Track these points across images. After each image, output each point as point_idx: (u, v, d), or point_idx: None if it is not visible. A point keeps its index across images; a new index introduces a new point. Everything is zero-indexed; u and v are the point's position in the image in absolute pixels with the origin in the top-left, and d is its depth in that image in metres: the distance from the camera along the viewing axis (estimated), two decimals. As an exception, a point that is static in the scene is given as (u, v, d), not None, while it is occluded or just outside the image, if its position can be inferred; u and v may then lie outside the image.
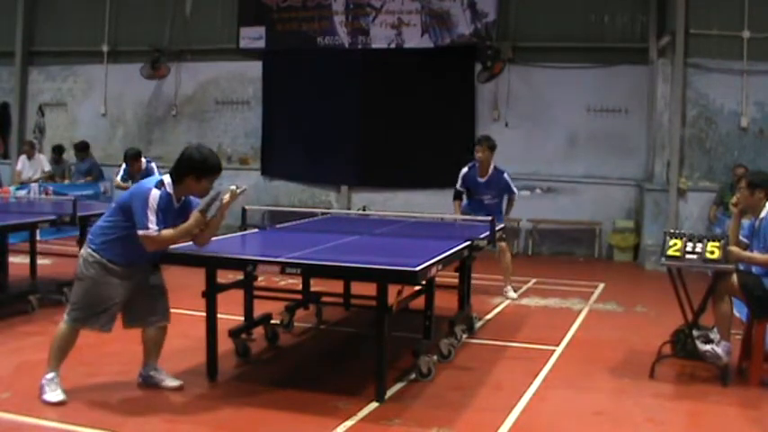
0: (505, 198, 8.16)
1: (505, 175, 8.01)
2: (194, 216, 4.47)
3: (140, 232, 4.29)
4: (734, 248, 5.21)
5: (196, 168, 4.42)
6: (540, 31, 11.59)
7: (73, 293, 4.52)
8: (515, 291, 8.26)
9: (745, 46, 10.06)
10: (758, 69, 10.06)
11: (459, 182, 8.08)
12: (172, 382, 4.77)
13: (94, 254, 4.42)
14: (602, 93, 11.37)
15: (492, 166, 7.94)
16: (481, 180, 7.92)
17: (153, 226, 4.28)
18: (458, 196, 8.11)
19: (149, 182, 4.47)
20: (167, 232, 4.34)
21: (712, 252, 5.12)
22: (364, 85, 12.18)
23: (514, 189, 8.12)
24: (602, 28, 11.36)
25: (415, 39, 12.00)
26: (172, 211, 4.44)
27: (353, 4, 12.28)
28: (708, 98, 10.33)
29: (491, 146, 7.90)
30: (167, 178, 4.46)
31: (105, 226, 4.48)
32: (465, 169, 8.04)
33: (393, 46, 12.12)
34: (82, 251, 4.50)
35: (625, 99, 11.32)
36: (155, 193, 4.33)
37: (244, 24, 12.76)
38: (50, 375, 4.43)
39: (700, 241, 5.19)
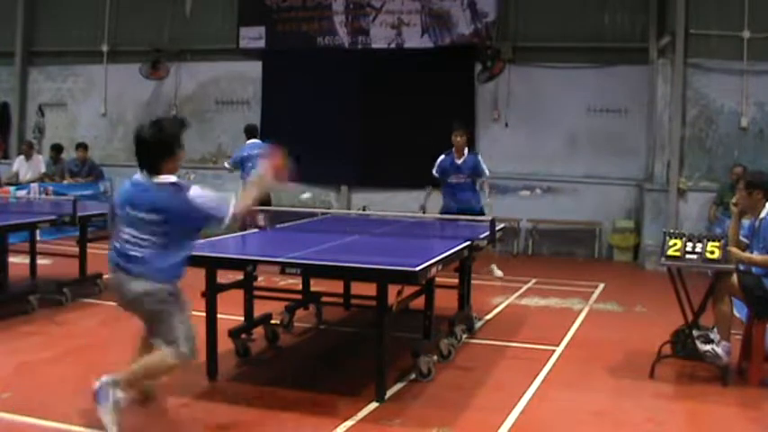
0: (478, 182, 8.91)
1: (479, 156, 8.93)
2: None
3: (229, 215, 3.99)
4: (733, 249, 5.21)
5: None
6: (540, 31, 11.59)
7: (165, 331, 4.04)
8: (500, 269, 8.87)
9: (745, 46, 10.06)
10: (758, 69, 10.06)
11: (436, 167, 8.87)
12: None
13: (162, 285, 3.98)
14: (602, 93, 11.37)
15: (466, 150, 8.86)
16: (458, 162, 8.80)
17: (230, 207, 3.99)
18: (432, 182, 8.93)
19: (176, 181, 4.08)
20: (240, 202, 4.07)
21: (712, 252, 5.12)
22: (364, 85, 12.18)
23: (486, 171, 8.87)
24: (602, 28, 11.35)
25: (415, 39, 12.00)
26: None
27: (353, 4, 12.28)
28: (708, 98, 10.33)
29: (467, 132, 8.93)
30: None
31: (165, 244, 3.97)
32: (442, 156, 8.88)
33: (393, 46, 12.12)
34: (139, 288, 3.95)
35: (625, 99, 11.32)
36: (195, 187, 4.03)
37: (244, 24, 12.76)
38: (120, 395, 3.99)
39: (699, 241, 5.19)
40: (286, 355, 5.83)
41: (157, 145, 4.02)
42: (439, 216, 8.23)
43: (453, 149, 8.85)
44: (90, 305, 7.13)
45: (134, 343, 4.95)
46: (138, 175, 4.10)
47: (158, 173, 4.02)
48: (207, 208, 3.96)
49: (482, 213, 8.48)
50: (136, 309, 4.09)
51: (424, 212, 8.87)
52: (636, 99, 11.22)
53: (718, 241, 5.17)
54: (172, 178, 4.03)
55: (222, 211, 3.97)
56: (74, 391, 4.56)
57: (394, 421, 4.32)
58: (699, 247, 5.16)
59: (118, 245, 4.02)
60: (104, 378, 3.97)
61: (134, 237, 3.96)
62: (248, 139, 9.72)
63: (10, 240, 7.17)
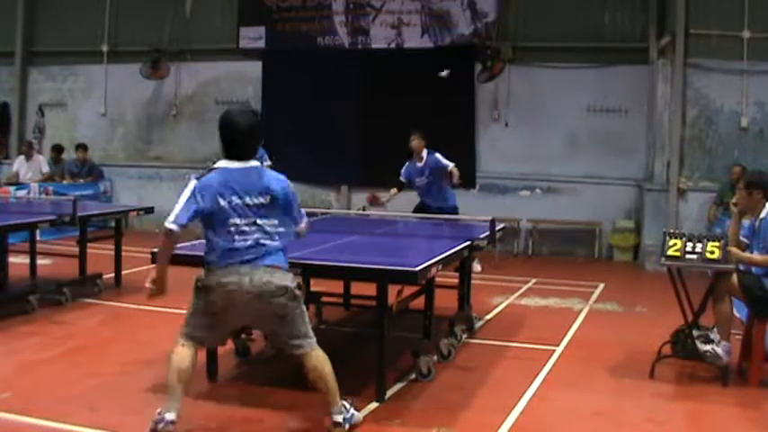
0: (440, 178, 9.04)
1: (436, 155, 9.01)
2: None
3: (303, 224, 4.13)
4: (733, 249, 5.21)
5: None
6: (540, 31, 11.59)
7: (302, 324, 3.96)
8: (479, 263, 8.98)
9: (745, 46, 10.06)
10: (758, 69, 10.06)
11: (402, 174, 9.14)
12: None
13: (292, 277, 3.98)
14: (602, 93, 11.37)
15: (425, 152, 9.04)
16: (419, 165, 9.03)
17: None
18: (397, 185, 9.15)
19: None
20: None
21: (712, 252, 5.12)
22: (364, 85, 12.18)
23: (447, 163, 8.90)
24: (602, 28, 11.35)
25: (415, 39, 12.00)
26: None
27: (353, 4, 12.28)
28: (708, 98, 10.33)
29: (423, 135, 9.10)
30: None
31: (281, 233, 3.92)
32: (406, 163, 9.14)
33: (393, 46, 12.12)
34: (276, 281, 3.81)
35: (625, 99, 11.31)
36: None
37: (244, 24, 12.76)
38: (352, 413, 4.09)
39: (699, 241, 5.19)
40: (286, 355, 5.82)
41: (255, 130, 3.98)
42: (440, 216, 8.23)
43: (414, 154, 9.10)
44: (90, 305, 7.13)
45: (133, 342, 4.96)
46: (230, 163, 3.91)
47: (251, 159, 3.96)
48: (297, 202, 4.07)
49: (456, 208, 9.01)
50: (265, 308, 3.82)
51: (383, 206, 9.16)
52: (636, 99, 11.22)
53: (719, 241, 5.17)
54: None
55: (303, 214, 4.11)
56: (74, 390, 4.56)
57: (394, 421, 4.33)
58: (699, 247, 5.15)
59: (229, 240, 3.79)
60: (334, 418, 4.00)
61: (252, 225, 3.81)
62: None
63: (10, 240, 7.16)
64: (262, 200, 3.83)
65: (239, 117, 3.97)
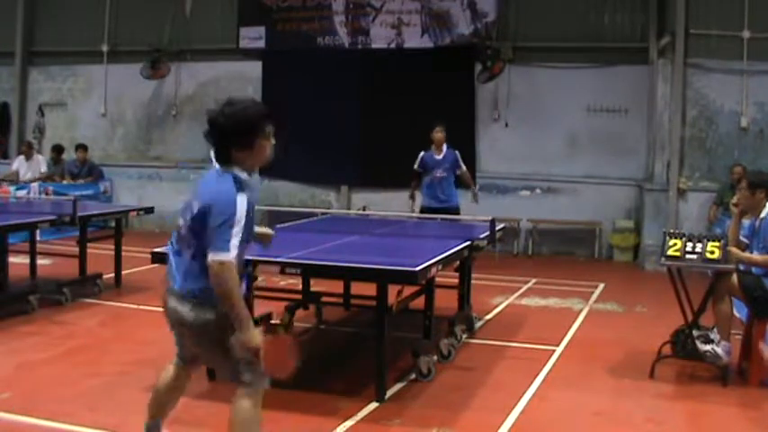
0: (458, 173, 9.49)
1: (456, 152, 9.46)
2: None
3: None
4: (733, 249, 5.21)
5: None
6: (540, 31, 11.59)
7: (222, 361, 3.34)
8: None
9: (745, 46, 10.05)
10: (758, 69, 10.05)
11: (418, 163, 9.44)
12: None
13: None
14: (602, 93, 11.37)
15: (444, 146, 9.41)
16: (438, 157, 9.39)
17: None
18: (415, 176, 9.51)
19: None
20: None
21: (712, 252, 5.12)
22: (364, 86, 12.17)
23: (462, 165, 9.46)
24: (602, 28, 11.35)
25: (415, 39, 12.00)
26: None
27: (353, 4, 12.27)
28: (708, 98, 10.33)
29: (446, 128, 9.43)
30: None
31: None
32: (422, 153, 9.46)
33: (393, 46, 12.11)
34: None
35: (625, 99, 11.31)
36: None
37: (244, 24, 12.75)
38: None
39: (699, 241, 5.19)
40: (286, 355, 5.82)
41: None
42: (439, 216, 8.24)
43: (433, 146, 9.42)
44: (90, 305, 7.13)
45: (133, 342, 4.95)
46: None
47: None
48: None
49: (459, 208, 9.30)
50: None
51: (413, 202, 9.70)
52: (636, 99, 11.22)
53: (719, 241, 5.17)
54: None
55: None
56: (74, 390, 4.56)
57: (394, 421, 4.33)
58: (699, 247, 5.16)
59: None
60: None
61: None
62: None
63: (10, 240, 7.17)
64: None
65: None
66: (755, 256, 5.25)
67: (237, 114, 3.14)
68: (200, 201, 3.13)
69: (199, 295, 3.15)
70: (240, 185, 3.11)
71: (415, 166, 9.49)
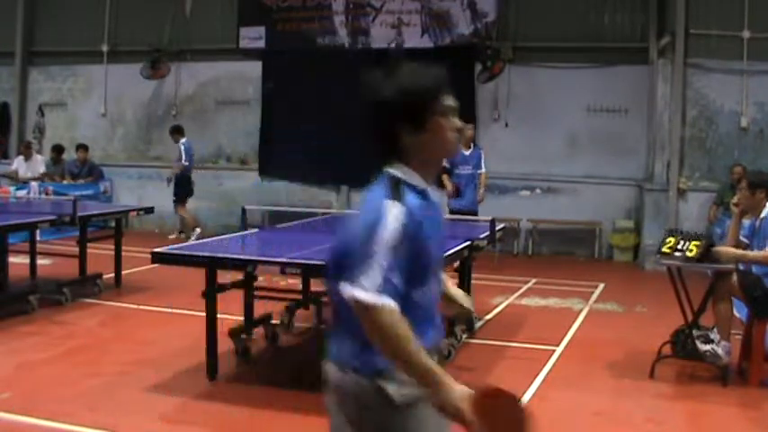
0: (477, 175, 9.47)
1: (481, 151, 9.57)
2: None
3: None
4: (722, 248, 5.23)
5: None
6: (540, 31, 11.59)
7: None
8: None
9: (745, 46, 10.05)
10: (758, 69, 10.05)
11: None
12: None
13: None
14: (602, 93, 11.37)
15: (472, 143, 9.51)
16: (466, 153, 9.29)
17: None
18: (446, 171, 9.24)
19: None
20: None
21: (691, 251, 5.15)
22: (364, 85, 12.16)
23: (484, 166, 9.52)
24: (602, 28, 11.35)
25: (414, 39, 12.00)
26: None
27: (353, 4, 12.27)
28: (708, 98, 10.33)
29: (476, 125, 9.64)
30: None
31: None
32: None
33: (393, 46, 12.12)
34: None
35: (625, 99, 11.31)
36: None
37: (244, 24, 12.75)
38: None
39: (688, 240, 5.23)
40: (286, 355, 5.83)
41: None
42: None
43: (461, 142, 9.10)
44: (90, 305, 7.13)
45: (133, 342, 4.95)
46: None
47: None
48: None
49: (477, 214, 9.02)
50: None
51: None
52: (636, 99, 11.22)
53: (700, 240, 5.22)
54: None
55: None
56: (74, 390, 4.56)
57: (394, 421, 4.32)
58: (685, 246, 5.20)
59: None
60: None
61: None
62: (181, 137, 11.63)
63: (10, 240, 7.17)
64: None
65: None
66: (750, 252, 5.25)
67: (405, 81, 2.17)
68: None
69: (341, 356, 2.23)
70: (396, 190, 2.06)
71: (443, 163, 9.30)
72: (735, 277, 5.19)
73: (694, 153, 10.43)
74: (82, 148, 12.75)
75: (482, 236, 5.98)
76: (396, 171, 2.15)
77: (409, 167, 2.13)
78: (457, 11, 11.76)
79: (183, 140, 11.65)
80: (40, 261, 8.12)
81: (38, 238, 8.24)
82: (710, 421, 4.62)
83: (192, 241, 8.95)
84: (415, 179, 2.11)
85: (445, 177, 9.23)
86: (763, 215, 5.30)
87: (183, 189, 11.46)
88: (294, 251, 4.88)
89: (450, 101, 2.19)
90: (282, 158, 12.58)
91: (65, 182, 12.38)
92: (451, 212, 8.84)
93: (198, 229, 11.24)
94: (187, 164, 11.51)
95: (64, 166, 12.85)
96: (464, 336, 6.19)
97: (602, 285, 8.89)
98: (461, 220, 7.77)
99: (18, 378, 4.91)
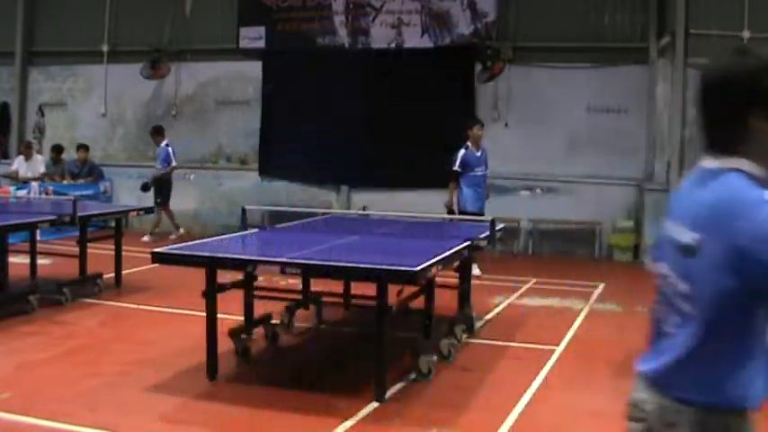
0: (487, 174, 9.35)
1: (486, 150, 9.39)
2: None
3: None
4: None
5: None
6: (540, 31, 11.59)
7: None
8: (480, 268, 8.85)
9: (745, 46, 10.05)
10: (758, 69, 10.04)
11: (459, 162, 9.00)
12: None
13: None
14: (602, 93, 11.36)
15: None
16: (478, 154, 9.15)
17: None
18: (454, 178, 9.03)
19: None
20: None
21: None
22: (364, 86, 12.17)
23: (488, 165, 9.37)
24: (602, 28, 11.35)
25: (415, 39, 12.00)
26: None
27: (353, 4, 12.27)
28: (708, 98, 10.31)
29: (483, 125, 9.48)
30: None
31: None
32: (462, 151, 9.07)
33: (393, 46, 12.11)
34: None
35: (625, 99, 11.31)
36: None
37: (244, 24, 12.75)
38: None
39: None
40: (286, 355, 5.83)
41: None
42: (439, 216, 8.24)
43: (470, 143, 9.11)
44: (90, 305, 7.13)
45: (133, 342, 4.94)
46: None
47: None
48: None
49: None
50: None
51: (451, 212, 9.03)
52: (636, 99, 11.22)
53: None
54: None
55: None
56: (74, 390, 4.56)
57: (394, 421, 4.32)
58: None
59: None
60: None
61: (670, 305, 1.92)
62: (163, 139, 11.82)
63: (10, 240, 7.17)
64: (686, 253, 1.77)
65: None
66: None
67: (761, 64, 1.77)
68: (692, 228, 1.72)
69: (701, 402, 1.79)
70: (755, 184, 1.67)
71: (456, 167, 8.96)
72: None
73: (694, 153, 10.42)
74: (82, 148, 12.75)
75: (482, 236, 5.97)
76: (746, 167, 1.71)
77: (747, 159, 1.71)
78: (457, 11, 11.76)
79: (164, 142, 11.72)
80: (40, 261, 8.12)
81: (38, 237, 8.24)
82: (710, 421, 4.61)
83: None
84: (759, 173, 1.71)
85: (452, 186, 9.06)
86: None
87: (167, 191, 11.66)
88: (294, 251, 4.88)
89: None
90: (282, 158, 12.59)
91: (65, 182, 12.38)
92: (470, 215, 8.61)
93: (181, 230, 11.65)
94: (174, 165, 11.75)
95: (64, 166, 12.85)
96: (464, 336, 6.19)
97: (602, 285, 8.89)
98: (461, 220, 7.78)
99: (18, 378, 4.91)
